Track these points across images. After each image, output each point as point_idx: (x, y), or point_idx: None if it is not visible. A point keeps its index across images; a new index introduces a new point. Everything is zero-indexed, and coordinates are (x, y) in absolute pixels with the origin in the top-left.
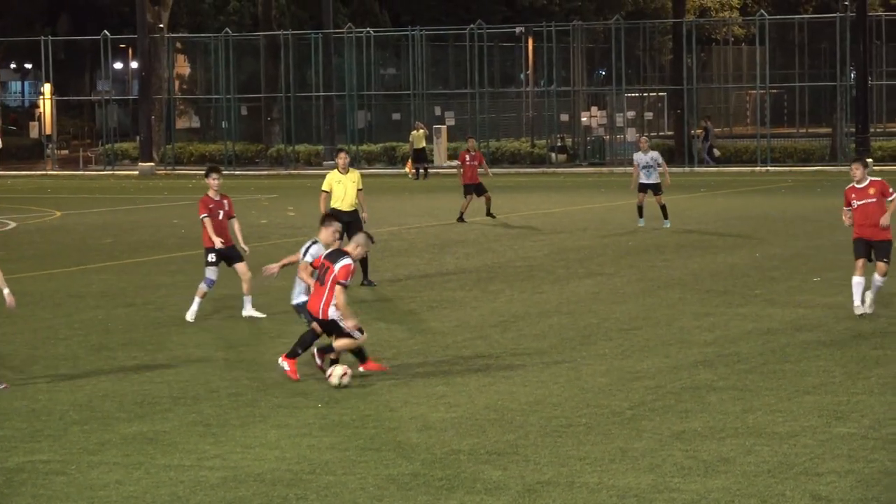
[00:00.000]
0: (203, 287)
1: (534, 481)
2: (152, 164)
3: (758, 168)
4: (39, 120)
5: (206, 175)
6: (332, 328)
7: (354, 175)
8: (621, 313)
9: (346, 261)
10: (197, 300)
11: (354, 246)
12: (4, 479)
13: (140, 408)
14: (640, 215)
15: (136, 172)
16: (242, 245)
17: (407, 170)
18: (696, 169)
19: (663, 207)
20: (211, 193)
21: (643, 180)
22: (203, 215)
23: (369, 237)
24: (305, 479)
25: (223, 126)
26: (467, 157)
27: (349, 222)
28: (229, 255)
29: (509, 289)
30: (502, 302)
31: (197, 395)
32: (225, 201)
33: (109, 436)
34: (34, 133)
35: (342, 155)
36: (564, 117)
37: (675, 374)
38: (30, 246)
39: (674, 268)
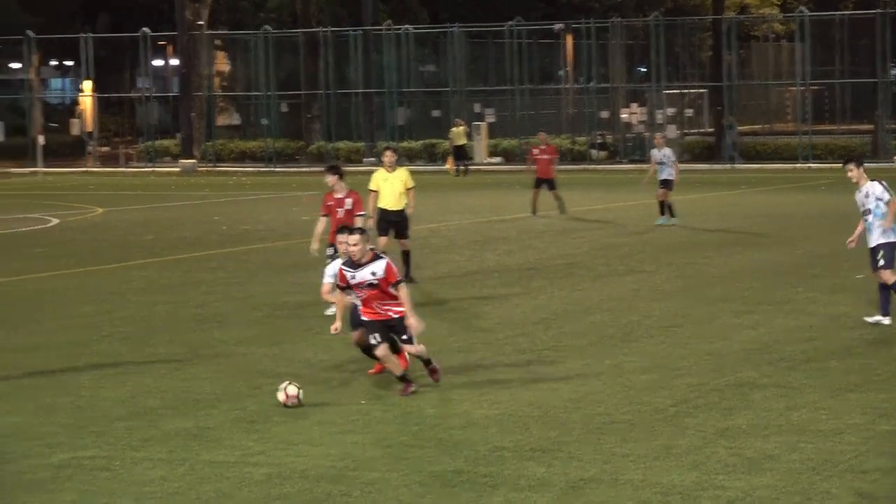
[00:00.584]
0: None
1: (577, 478)
2: (193, 160)
3: (799, 165)
4: (80, 117)
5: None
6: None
7: (402, 173)
8: (662, 311)
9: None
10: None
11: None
12: (50, 475)
13: (183, 404)
14: (661, 212)
15: (177, 169)
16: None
17: (448, 167)
18: (737, 166)
19: (670, 205)
20: (333, 191)
21: (661, 176)
22: (321, 214)
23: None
24: (349, 475)
25: (263, 123)
26: (536, 151)
27: (397, 221)
28: None
29: (550, 286)
30: (544, 299)
31: (240, 392)
32: (348, 199)
33: (153, 432)
34: (75, 130)
35: (388, 153)
36: (604, 114)
37: (717, 372)
38: (71, 243)
39: (714, 265)
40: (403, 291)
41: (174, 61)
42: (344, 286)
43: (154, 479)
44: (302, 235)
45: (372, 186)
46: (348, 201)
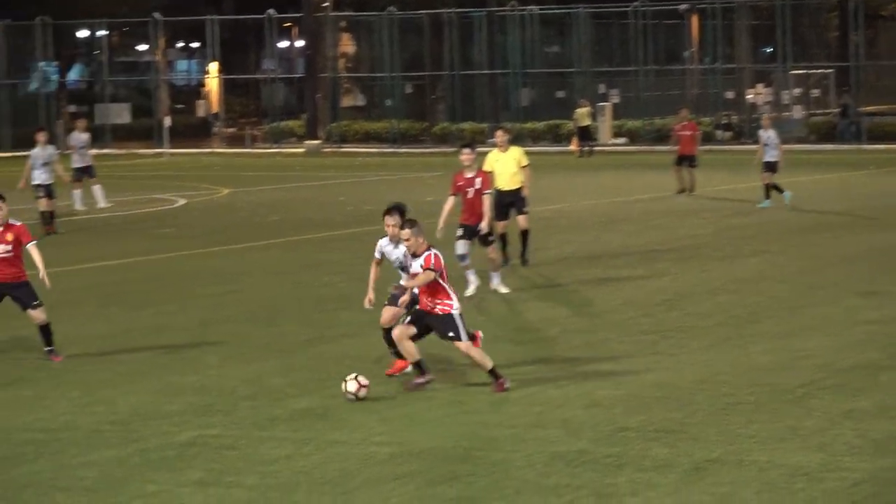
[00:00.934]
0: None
1: (702, 459)
2: (318, 141)
3: None
4: (206, 99)
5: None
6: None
7: (516, 152)
8: (787, 292)
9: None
10: (467, 275)
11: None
12: (177, 454)
13: (309, 383)
14: (767, 196)
15: (302, 150)
16: (483, 224)
17: (572, 147)
18: (864, 146)
19: (776, 185)
20: (464, 170)
21: (767, 158)
22: (450, 193)
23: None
24: (474, 455)
25: (388, 104)
26: (678, 128)
27: (511, 202)
28: (473, 232)
29: (675, 267)
30: (668, 280)
31: (366, 373)
32: (478, 178)
33: (279, 411)
34: (201, 112)
35: (499, 133)
36: (729, 94)
37: (843, 353)
38: (198, 223)
39: (839, 246)
40: (423, 276)
41: (299, 43)
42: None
43: (280, 458)
44: (426, 216)
45: (485, 168)
46: (478, 181)
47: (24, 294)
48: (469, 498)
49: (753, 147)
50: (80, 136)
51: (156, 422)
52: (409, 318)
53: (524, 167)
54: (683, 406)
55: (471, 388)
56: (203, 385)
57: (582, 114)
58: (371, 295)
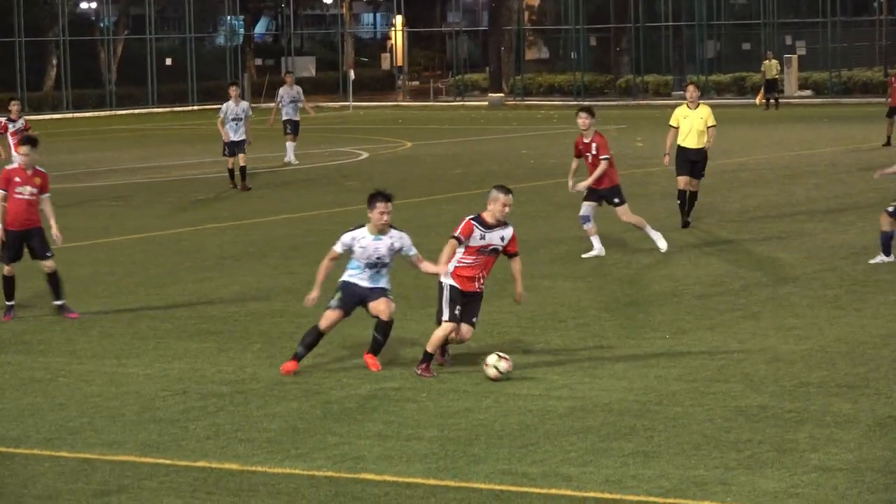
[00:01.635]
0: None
1: (885, 415)
2: (502, 94)
3: None
4: (391, 52)
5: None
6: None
7: (704, 110)
8: None
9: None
10: (591, 239)
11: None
12: (358, 406)
13: (490, 336)
14: None
15: (486, 103)
16: (580, 185)
17: (757, 100)
18: None
19: None
20: (583, 135)
21: None
22: (574, 155)
23: (500, 189)
24: (653, 409)
25: (572, 57)
26: (894, 80)
27: (695, 161)
28: (597, 195)
29: (861, 220)
30: (853, 234)
31: (545, 326)
32: (594, 143)
33: (459, 365)
34: (385, 65)
35: (691, 87)
36: None
37: None
38: (381, 176)
39: None
40: (519, 265)
41: None
42: (463, 240)
43: (459, 411)
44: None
45: (672, 122)
46: (594, 146)
47: (38, 243)
48: (647, 452)
49: None
50: (291, 91)
51: (337, 375)
52: (459, 310)
53: (710, 127)
54: (867, 361)
55: (650, 341)
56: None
57: (769, 66)
58: (316, 293)
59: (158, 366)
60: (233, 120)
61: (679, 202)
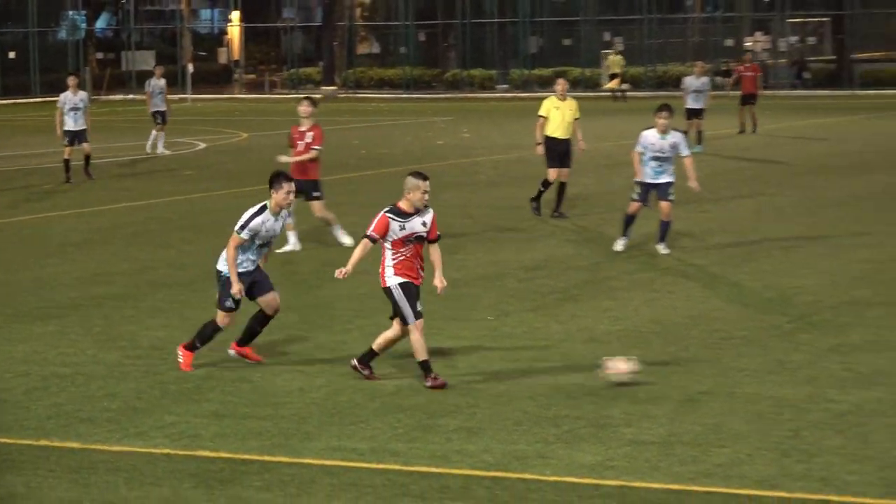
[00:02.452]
0: None
1: (694, 391)
2: (335, 87)
3: None
4: (228, 46)
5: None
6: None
7: (573, 103)
8: (783, 231)
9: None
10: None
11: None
12: (194, 386)
13: (319, 319)
14: (699, 141)
15: (319, 96)
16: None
17: (611, 85)
18: (858, 92)
19: (700, 132)
20: (300, 123)
21: (691, 105)
22: (288, 145)
23: (418, 176)
24: (477, 388)
25: (401, 52)
26: (741, 69)
27: (564, 152)
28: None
29: (678, 208)
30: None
31: (375, 308)
32: (310, 132)
33: (295, 346)
34: (223, 59)
35: (561, 81)
36: (729, 42)
37: (833, 290)
38: (219, 166)
39: (834, 188)
40: (439, 252)
41: None
42: (377, 238)
43: (293, 391)
44: (436, 159)
45: (542, 112)
46: (309, 135)
47: None
48: (470, 429)
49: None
50: (158, 83)
51: (175, 356)
52: (418, 304)
53: (576, 119)
54: (678, 340)
55: (473, 322)
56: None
57: (614, 61)
58: (239, 288)
59: (1, 349)
60: (71, 110)
61: (542, 190)
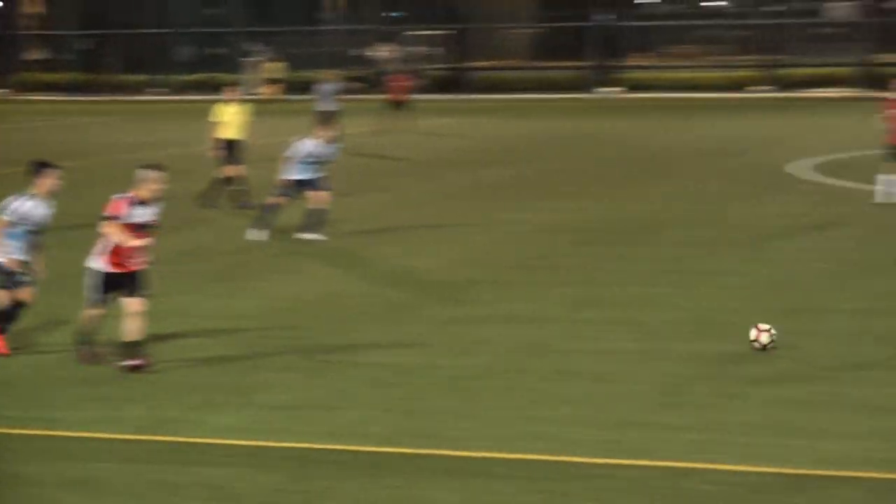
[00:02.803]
0: None
1: (323, 360)
2: (6, 90)
3: (523, 95)
4: None
5: None
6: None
7: (243, 107)
8: (410, 220)
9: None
10: None
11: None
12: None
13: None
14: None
15: None
16: None
17: (264, 91)
18: (473, 96)
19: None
20: None
21: (325, 108)
22: None
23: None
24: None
25: (69, 58)
26: (395, 78)
27: (237, 151)
28: None
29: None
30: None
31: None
32: None
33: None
34: None
35: (234, 87)
36: (358, 52)
37: (448, 270)
38: None
39: (460, 180)
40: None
41: None
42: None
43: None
44: (99, 156)
45: (216, 118)
46: None
47: None
48: (125, 397)
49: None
50: None
51: None
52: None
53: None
54: (311, 318)
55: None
56: None
57: (274, 67)
58: None
59: None
60: None
61: (226, 187)
